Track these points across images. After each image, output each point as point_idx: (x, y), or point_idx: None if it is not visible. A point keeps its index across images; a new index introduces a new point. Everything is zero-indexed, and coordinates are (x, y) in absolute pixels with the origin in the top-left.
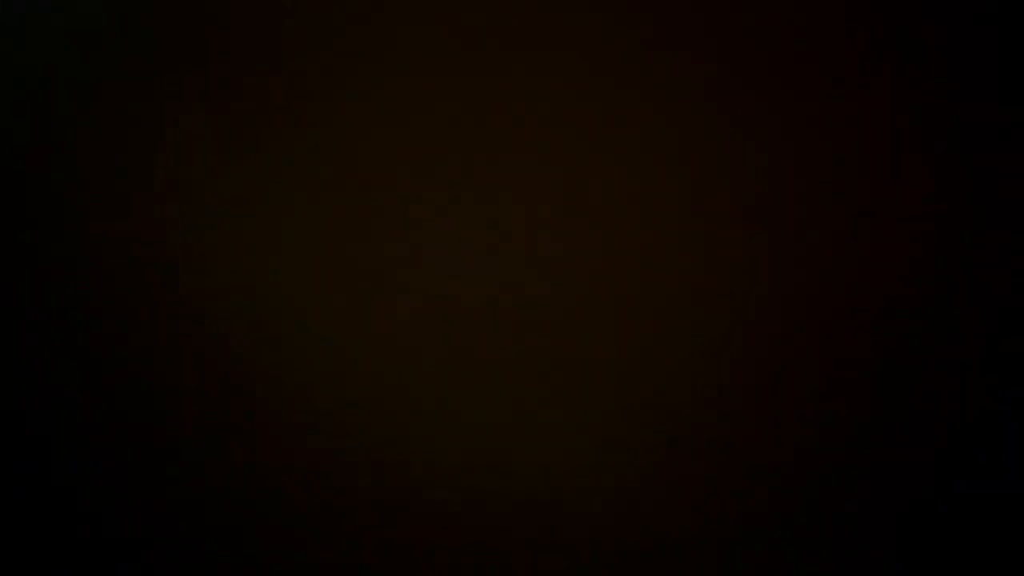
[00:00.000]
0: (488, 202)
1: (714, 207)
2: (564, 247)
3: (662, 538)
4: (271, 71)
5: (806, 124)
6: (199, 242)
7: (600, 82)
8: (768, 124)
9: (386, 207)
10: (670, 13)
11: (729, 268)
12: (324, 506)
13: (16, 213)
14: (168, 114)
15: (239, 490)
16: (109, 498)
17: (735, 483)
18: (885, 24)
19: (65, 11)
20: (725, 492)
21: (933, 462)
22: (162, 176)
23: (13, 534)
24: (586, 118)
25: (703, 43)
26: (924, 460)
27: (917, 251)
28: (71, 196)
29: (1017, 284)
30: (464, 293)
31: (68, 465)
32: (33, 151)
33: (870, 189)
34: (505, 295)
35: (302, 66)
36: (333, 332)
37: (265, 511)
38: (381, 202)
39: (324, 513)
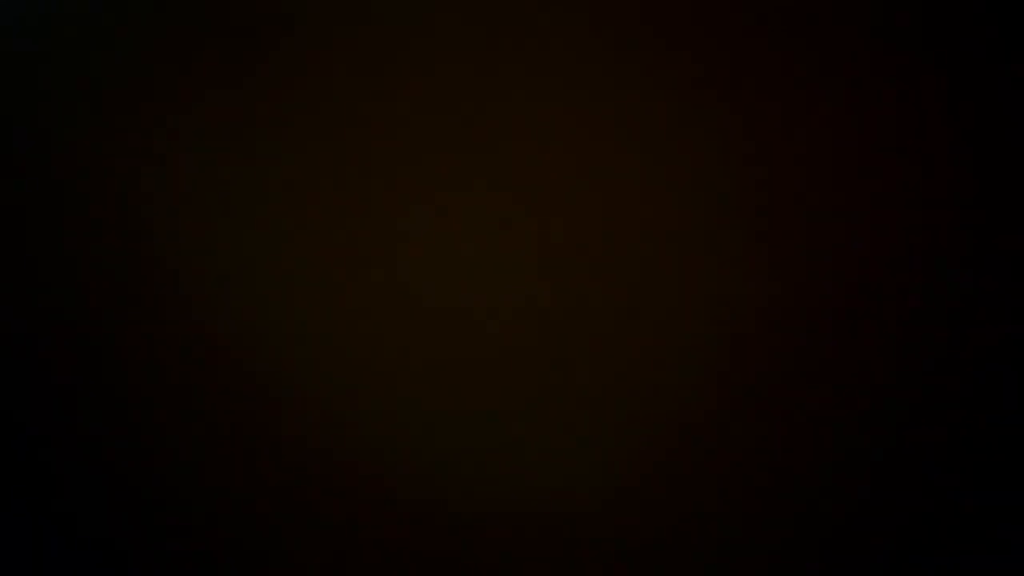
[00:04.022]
0: (488, 202)
1: (714, 207)
2: (564, 248)
3: (662, 538)
4: (271, 71)
5: (806, 124)
6: (198, 242)
7: (599, 82)
8: (768, 124)
9: (386, 207)
10: (670, 12)
11: (729, 268)
12: (322, 506)
13: (15, 213)
14: (167, 114)
15: (238, 490)
16: (108, 498)
17: (735, 483)
18: (885, 23)
19: (64, 10)
20: (725, 492)
21: (933, 463)
22: (161, 176)
23: (13, 534)
24: (584, 119)
25: (703, 43)
26: (924, 460)
27: (917, 251)
28: (70, 196)
29: (1017, 284)
30: (464, 293)
31: (67, 465)
32: (32, 151)
33: (870, 189)
34: (504, 296)
35: (303, 66)
36: (333, 332)
37: (264, 511)
38: (381, 202)
39: (322, 513)
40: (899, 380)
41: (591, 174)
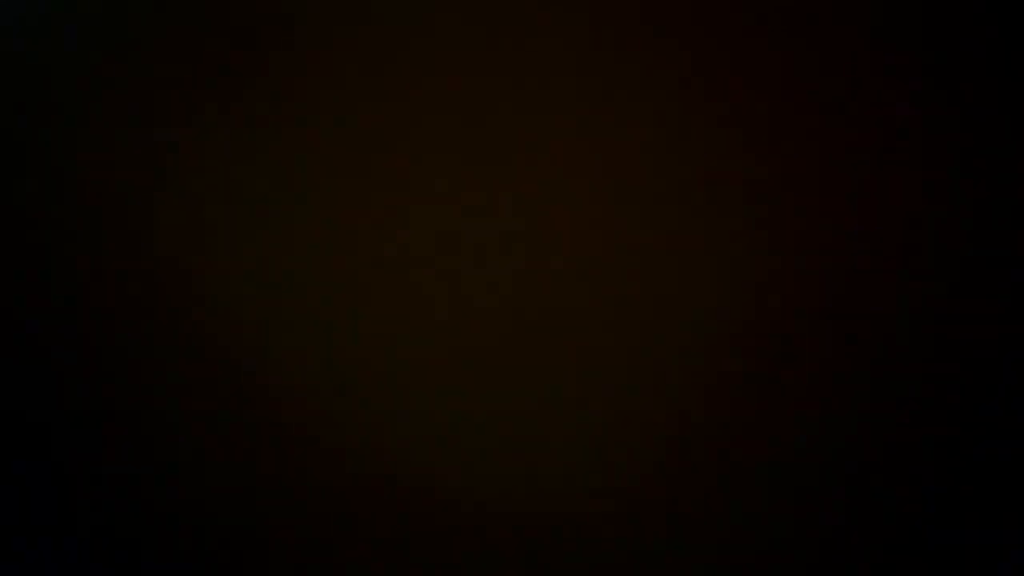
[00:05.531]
0: (488, 202)
1: (714, 207)
2: (563, 248)
3: (662, 538)
4: (272, 71)
5: (806, 123)
6: (199, 241)
7: (599, 82)
8: (768, 124)
9: (388, 207)
10: (670, 12)
11: (729, 269)
12: (323, 506)
13: (16, 213)
14: (174, 114)
15: (238, 490)
16: (109, 498)
17: (735, 483)
18: (885, 23)
19: (67, 11)
20: (725, 492)
21: (932, 462)
22: (162, 175)
23: (13, 534)
24: (585, 119)
25: (703, 43)
26: (923, 460)
27: (917, 250)
28: (71, 196)
29: (1017, 284)
30: (464, 294)
31: (68, 465)
32: (33, 151)
33: (869, 188)
34: (505, 296)
35: (303, 66)
36: (335, 331)
37: (263, 511)
38: (383, 202)
39: (323, 513)
40: (899, 379)
41: (591, 174)
